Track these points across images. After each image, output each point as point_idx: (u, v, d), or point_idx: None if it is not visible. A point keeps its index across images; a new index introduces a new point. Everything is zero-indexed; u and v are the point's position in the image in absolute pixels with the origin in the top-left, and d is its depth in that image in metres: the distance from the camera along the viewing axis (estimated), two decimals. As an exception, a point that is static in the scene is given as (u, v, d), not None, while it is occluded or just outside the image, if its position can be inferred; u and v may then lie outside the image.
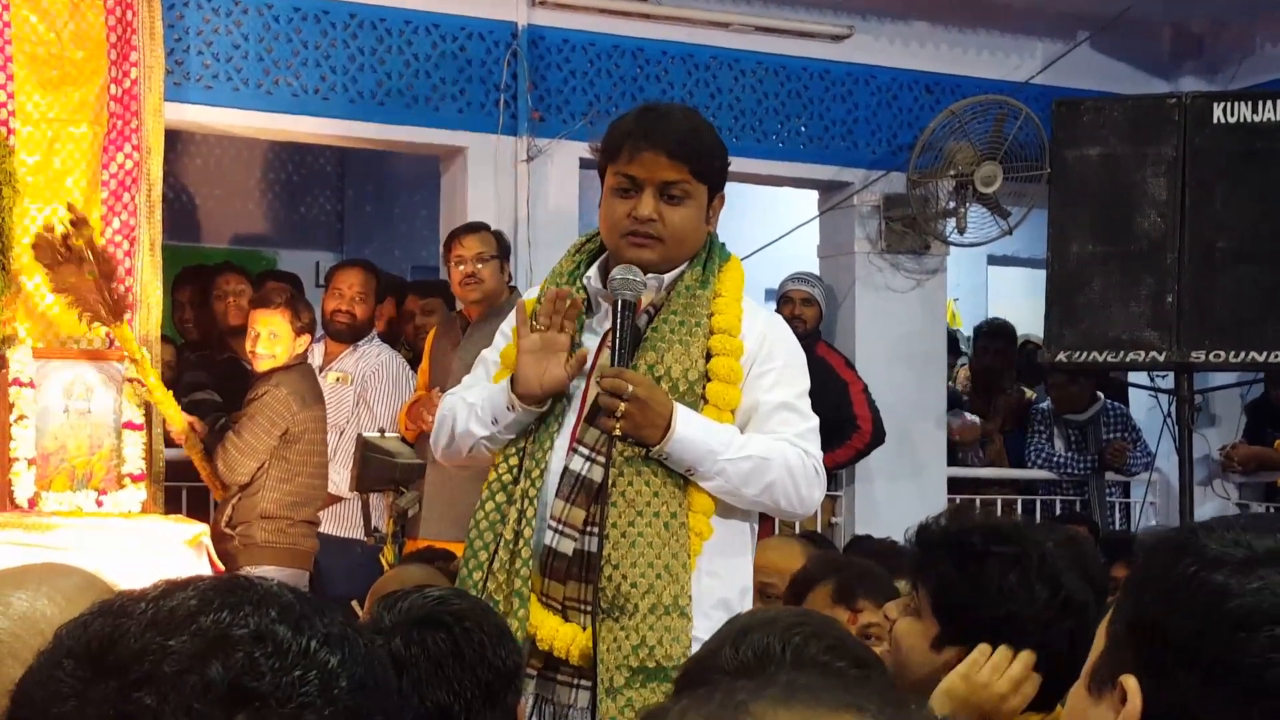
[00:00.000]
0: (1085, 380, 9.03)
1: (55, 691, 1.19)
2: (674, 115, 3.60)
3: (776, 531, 7.86)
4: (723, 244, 3.65)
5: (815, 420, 3.55)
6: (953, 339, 9.95)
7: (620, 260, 3.47)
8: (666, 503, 3.36)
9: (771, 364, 3.48)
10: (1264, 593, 1.42)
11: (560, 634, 3.37)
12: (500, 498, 3.43)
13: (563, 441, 3.43)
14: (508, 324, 3.63)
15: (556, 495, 3.39)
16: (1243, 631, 1.41)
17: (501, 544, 3.38)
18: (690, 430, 3.34)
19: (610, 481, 3.35)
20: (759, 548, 4.91)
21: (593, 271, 3.54)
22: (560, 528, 3.38)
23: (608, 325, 3.46)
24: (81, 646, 1.21)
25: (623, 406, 3.29)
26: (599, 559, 3.33)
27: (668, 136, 3.45)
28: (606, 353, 3.42)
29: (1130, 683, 1.46)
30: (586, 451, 3.39)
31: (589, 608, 3.37)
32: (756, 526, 3.61)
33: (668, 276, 3.50)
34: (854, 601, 3.79)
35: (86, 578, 1.99)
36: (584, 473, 3.38)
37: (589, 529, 3.36)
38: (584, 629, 3.37)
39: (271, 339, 6.59)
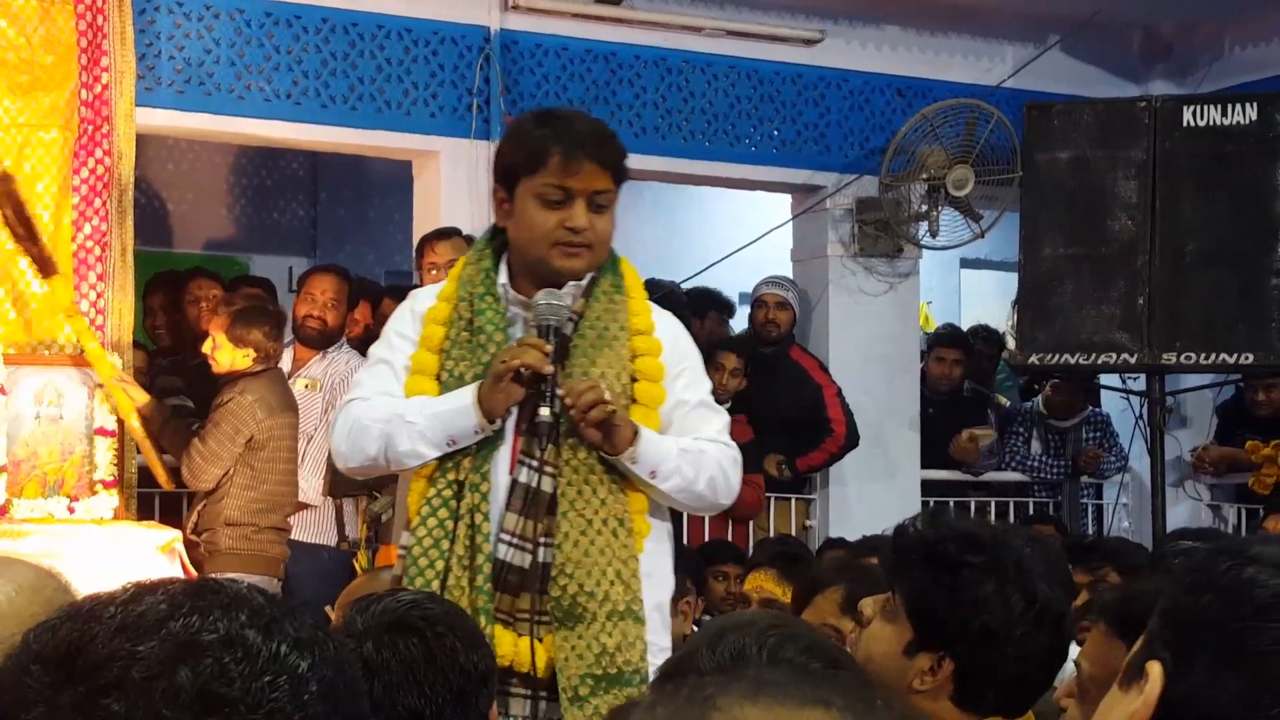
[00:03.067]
0: (1086, 389, 9.05)
1: (23, 697, 1.19)
2: (587, 122, 3.61)
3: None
4: None
5: (726, 415, 3.66)
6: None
7: (546, 269, 3.45)
8: (612, 509, 3.39)
9: (685, 364, 3.57)
10: None
11: (520, 648, 3.36)
12: (443, 514, 3.38)
13: (504, 454, 3.41)
14: (403, 324, 3.56)
15: (507, 509, 3.37)
16: (1262, 620, 1.43)
17: (455, 561, 3.35)
18: (650, 432, 3.41)
19: (560, 491, 3.35)
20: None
21: (503, 277, 3.50)
22: (514, 541, 3.37)
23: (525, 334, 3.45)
24: (49, 651, 1.20)
25: (607, 410, 3.29)
26: (541, 569, 3.34)
27: (598, 147, 3.47)
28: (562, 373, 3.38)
29: (1154, 668, 1.48)
30: (534, 463, 3.38)
31: (541, 619, 3.37)
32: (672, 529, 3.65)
33: (584, 282, 3.50)
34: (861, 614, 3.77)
35: (35, 571, 2.00)
36: (534, 484, 3.37)
37: (543, 540, 3.36)
38: (539, 640, 3.36)
39: (215, 348, 6.59)
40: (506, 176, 3.51)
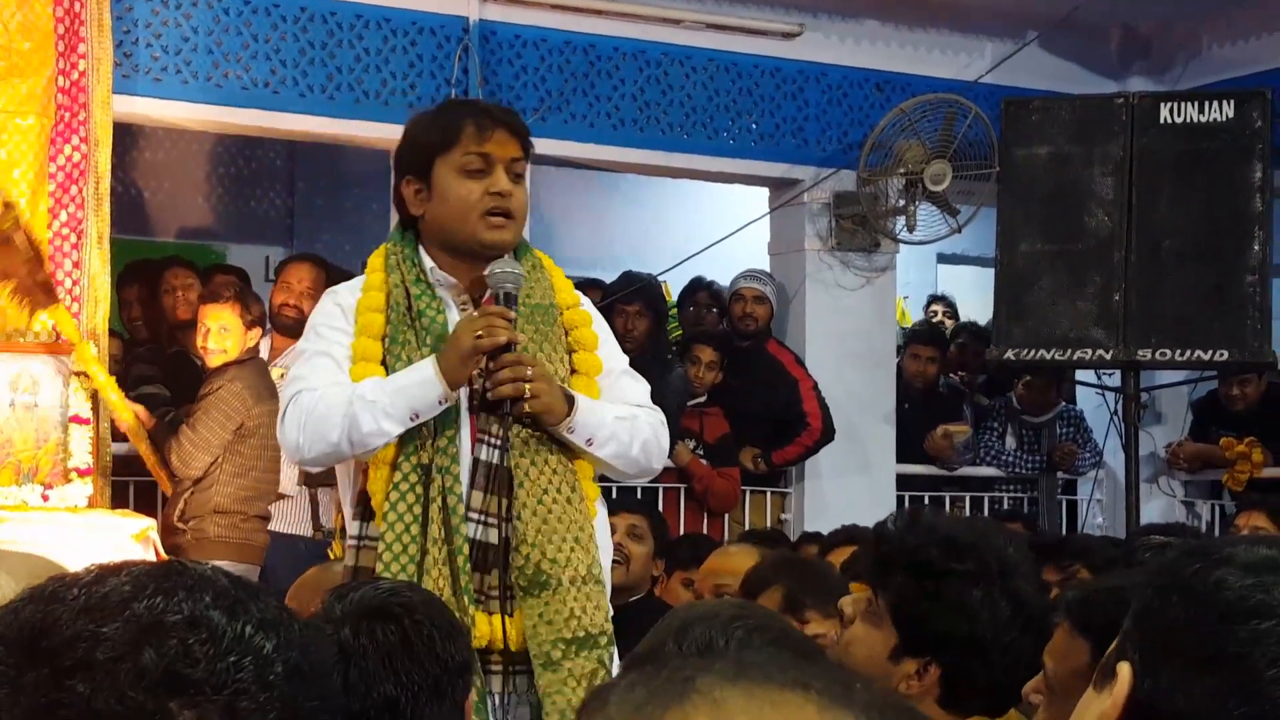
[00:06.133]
0: (1059, 384, 9.07)
1: (-13, 679, 1.19)
2: (492, 104, 3.73)
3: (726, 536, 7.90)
4: None
5: (647, 383, 3.77)
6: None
7: (475, 243, 3.50)
8: (565, 478, 3.46)
9: (605, 334, 3.69)
10: (1256, 590, 1.46)
11: (494, 625, 3.39)
12: (411, 498, 3.40)
13: (464, 434, 3.44)
14: (333, 319, 3.55)
15: (473, 487, 3.40)
16: (1230, 623, 1.44)
17: (431, 544, 3.35)
18: (586, 401, 3.48)
19: (512, 464, 3.41)
20: (719, 553, 4.95)
21: (429, 264, 3.54)
22: (483, 518, 3.40)
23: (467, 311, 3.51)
24: (13, 633, 1.19)
25: (529, 387, 3.35)
26: (504, 540, 3.38)
27: (509, 117, 3.57)
28: (519, 343, 3.45)
29: (1123, 668, 1.49)
30: (492, 440, 3.43)
31: (511, 592, 3.41)
32: None
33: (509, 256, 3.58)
34: (802, 613, 3.78)
35: (47, 565, 1.99)
36: (494, 461, 3.42)
37: (507, 516, 3.41)
38: (510, 615, 3.40)
39: (222, 333, 6.57)
40: (420, 161, 3.57)
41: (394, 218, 3.32)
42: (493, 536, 3.40)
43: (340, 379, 3.47)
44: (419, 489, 3.39)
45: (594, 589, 3.44)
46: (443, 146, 3.52)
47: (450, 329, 3.46)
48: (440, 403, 3.38)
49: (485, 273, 3.47)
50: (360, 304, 3.53)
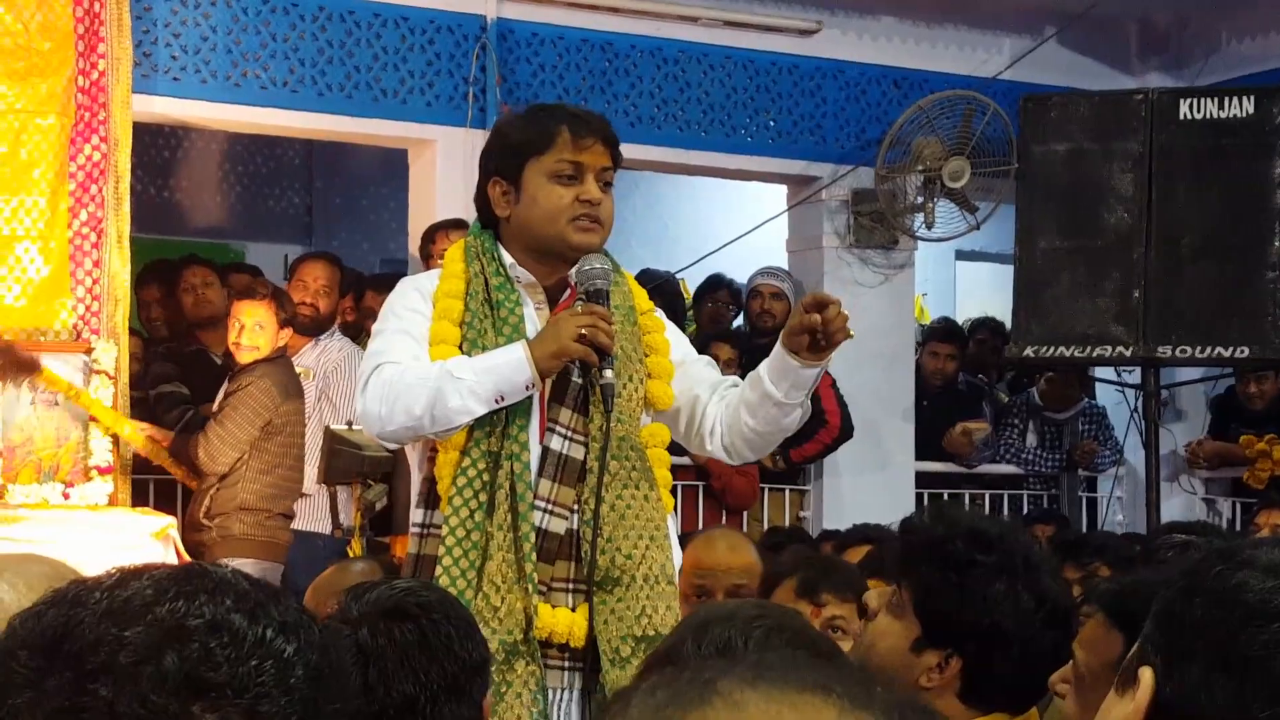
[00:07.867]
0: (1082, 380, 9.04)
1: (10, 682, 1.19)
2: (583, 109, 3.76)
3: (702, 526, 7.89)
4: None
5: None
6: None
7: (562, 245, 3.52)
8: (643, 474, 3.48)
9: (678, 338, 3.75)
10: (1278, 592, 1.46)
11: (557, 618, 3.39)
12: (478, 484, 3.40)
13: (534, 423, 3.45)
14: (413, 301, 3.57)
15: (541, 475, 3.41)
16: (1251, 624, 1.44)
17: (497, 530, 3.36)
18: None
19: (595, 457, 3.41)
20: (705, 544, 4.84)
21: (509, 260, 3.55)
22: (550, 508, 3.40)
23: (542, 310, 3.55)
24: (36, 637, 1.20)
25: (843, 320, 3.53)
26: (594, 534, 3.38)
27: (603, 126, 3.60)
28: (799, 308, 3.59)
29: (1145, 672, 1.50)
30: (564, 431, 3.44)
31: (577, 586, 3.41)
32: None
33: None
34: (817, 596, 3.79)
35: (53, 567, 2.00)
36: (565, 452, 3.43)
37: (577, 508, 3.41)
38: (572, 609, 3.40)
39: (257, 330, 6.58)
40: (509, 163, 3.56)
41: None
42: (559, 527, 3.41)
43: (421, 355, 3.48)
44: (486, 476, 3.39)
45: (666, 589, 3.45)
46: (536, 150, 3.52)
47: (526, 324, 3.49)
48: (527, 388, 3.38)
49: (574, 269, 3.49)
50: (439, 290, 3.55)
